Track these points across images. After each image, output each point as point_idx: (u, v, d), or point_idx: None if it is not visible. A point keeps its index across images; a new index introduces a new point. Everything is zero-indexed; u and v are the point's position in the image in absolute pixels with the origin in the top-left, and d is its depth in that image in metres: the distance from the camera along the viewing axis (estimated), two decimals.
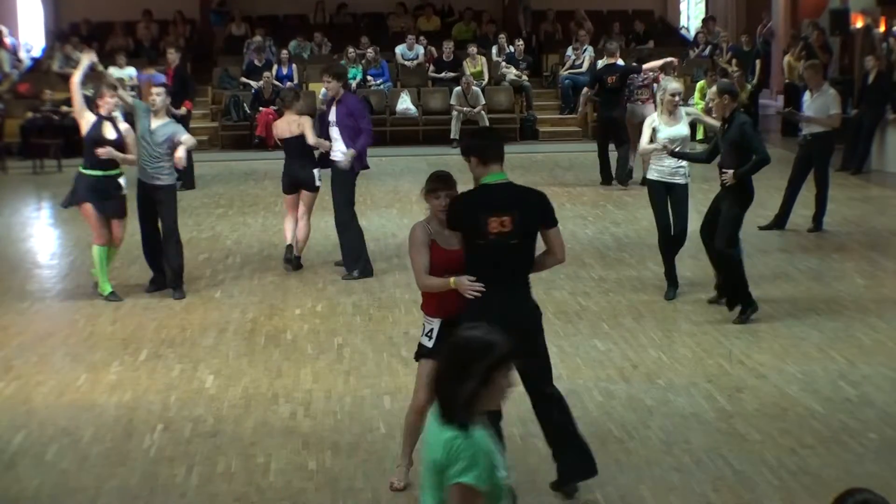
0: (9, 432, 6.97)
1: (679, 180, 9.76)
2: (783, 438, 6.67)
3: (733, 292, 9.24)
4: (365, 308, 9.76)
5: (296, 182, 10.97)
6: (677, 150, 9.59)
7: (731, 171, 9.01)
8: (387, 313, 9.57)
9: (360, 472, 6.29)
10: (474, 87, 20.93)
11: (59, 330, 9.28)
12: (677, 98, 9.79)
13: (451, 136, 20.73)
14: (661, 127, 9.68)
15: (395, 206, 14.55)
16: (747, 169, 9.01)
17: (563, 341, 8.65)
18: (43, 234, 14.25)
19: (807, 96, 12.72)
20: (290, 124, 10.91)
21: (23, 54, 24.20)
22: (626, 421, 6.97)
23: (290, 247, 11.15)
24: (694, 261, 11.33)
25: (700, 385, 7.62)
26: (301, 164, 10.91)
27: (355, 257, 10.77)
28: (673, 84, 10.05)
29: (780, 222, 12.75)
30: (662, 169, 9.74)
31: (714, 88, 9.77)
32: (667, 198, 9.78)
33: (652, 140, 9.67)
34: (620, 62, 16.38)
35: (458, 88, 20.96)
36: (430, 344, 5.85)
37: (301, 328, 9.20)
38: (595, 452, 6.23)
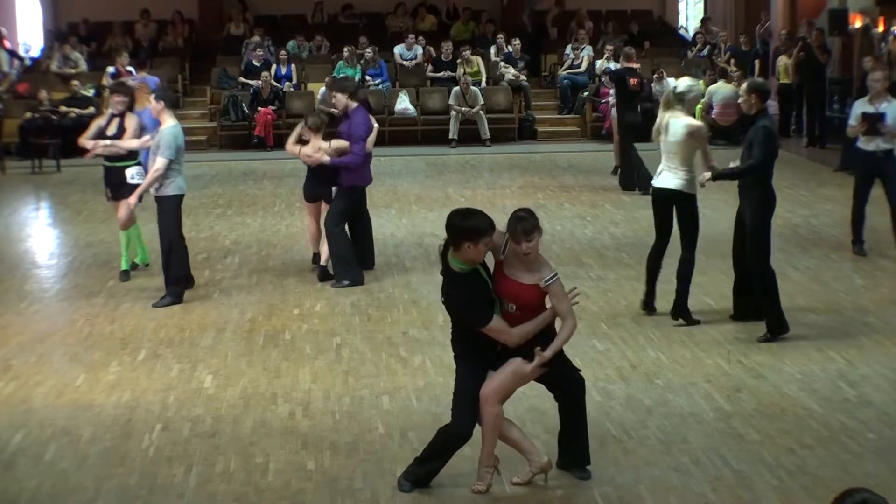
0: (7, 432, 6.97)
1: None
2: (782, 438, 6.67)
3: (765, 311, 8.72)
4: (363, 308, 9.76)
5: (317, 192, 10.82)
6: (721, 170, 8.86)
7: (708, 173, 8.76)
8: (385, 313, 9.57)
9: (359, 471, 6.28)
10: (473, 88, 20.95)
11: (57, 330, 9.28)
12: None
13: (450, 137, 20.76)
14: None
15: (394, 206, 14.55)
16: (730, 171, 8.77)
17: None
18: (41, 234, 14.24)
19: (864, 106, 11.28)
20: (315, 152, 10.53)
21: (21, 54, 24.21)
22: (625, 421, 6.97)
23: (316, 255, 11.10)
24: None
25: (699, 385, 7.63)
26: (323, 178, 10.67)
27: (343, 266, 10.61)
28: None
29: (860, 245, 11.63)
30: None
31: (745, 85, 9.14)
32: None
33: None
34: (637, 66, 16.27)
35: (456, 88, 20.98)
36: None
37: (300, 328, 9.20)
38: (594, 452, 6.24)
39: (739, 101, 9.17)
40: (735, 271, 9.20)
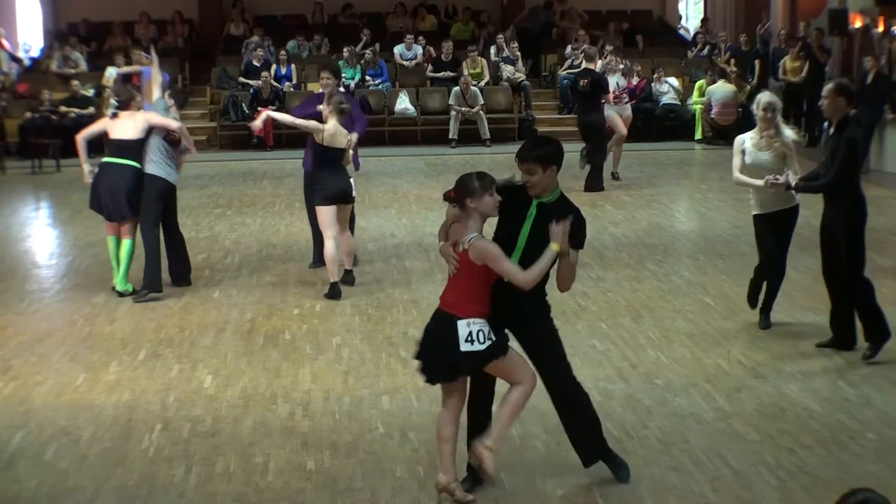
0: (7, 432, 6.96)
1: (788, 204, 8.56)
2: (782, 438, 6.67)
3: (868, 323, 8.16)
4: (363, 308, 9.76)
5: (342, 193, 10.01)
6: (792, 182, 8.10)
7: (783, 178, 8.02)
8: (385, 313, 9.57)
9: (359, 471, 6.28)
10: (473, 87, 20.96)
11: (57, 330, 9.28)
12: (769, 114, 8.45)
13: (450, 137, 20.77)
14: (749, 150, 8.54)
15: (394, 206, 14.54)
16: (810, 186, 8.06)
17: (562, 341, 8.63)
18: (41, 234, 14.25)
19: None
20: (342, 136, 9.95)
21: (21, 54, 24.23)
22: (625, 421, 6.97)
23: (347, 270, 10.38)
24: (692, 260, 11.35)
25: (699, 385, 7.62)
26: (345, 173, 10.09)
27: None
28: (766, 97, 8.59)
29: None
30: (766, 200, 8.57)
31: (830, 86, 7.98)
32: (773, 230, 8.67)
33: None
34: (597, 68, 16.35)
35: (456, 88, 20.99)
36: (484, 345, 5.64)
37: (300, 328, 9.20)
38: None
39: (820, 103, 8.10)
40: (831, 297, 8.44)
